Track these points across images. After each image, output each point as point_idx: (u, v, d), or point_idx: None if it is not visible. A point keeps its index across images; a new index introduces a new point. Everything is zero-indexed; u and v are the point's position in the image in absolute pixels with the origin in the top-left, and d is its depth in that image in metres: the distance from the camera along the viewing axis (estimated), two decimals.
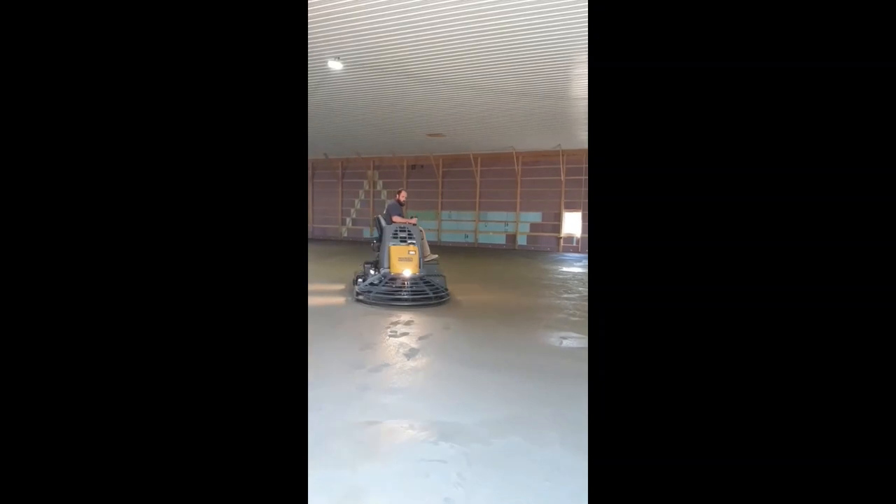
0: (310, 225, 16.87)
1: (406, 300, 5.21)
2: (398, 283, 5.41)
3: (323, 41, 5.57)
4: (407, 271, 5.55)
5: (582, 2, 4.19)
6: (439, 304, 5.27)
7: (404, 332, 4.02)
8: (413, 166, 15.37)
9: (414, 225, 5.85)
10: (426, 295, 5.34)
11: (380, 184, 16.31)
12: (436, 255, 6.17)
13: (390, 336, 3.88)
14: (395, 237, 5.66)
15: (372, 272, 5.71)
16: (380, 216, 6.13)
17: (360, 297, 5.33)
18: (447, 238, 14.87)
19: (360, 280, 5.69)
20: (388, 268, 5.57)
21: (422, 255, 5.73)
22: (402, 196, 6.35)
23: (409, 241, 5.66)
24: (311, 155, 16.11)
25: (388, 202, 6.64)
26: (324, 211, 16.76)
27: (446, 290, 5.63)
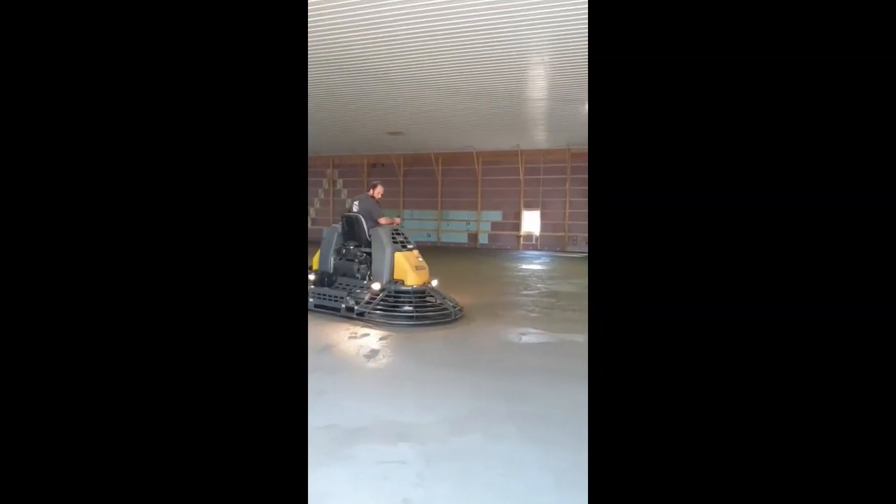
0: None
1: (429, 317, 4.30)
2: (410, 297, 4.44)
3: None
4: (434, 281, 4.73)
5: (540, 1, 4.27)
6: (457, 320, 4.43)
7: (364, 333, 3.97)
8: (374, 165, 15.20)
9: (399, 226, 5.08)
10: (445, 311, 4.43)
11: (339, 182, 16.03)
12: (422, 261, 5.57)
13: (350, 338, 3.82)
14: (395, 242, 4.73)
15: (374, 286, 4.55)
16: (357, 216, 4.97)
17: (362, 316, 4.36)
18: (410, 237, 14.80)
19: (346, 298, 4.58)
20: (393, 278, 4.56)
21: None
22: (378, 192, 5.22)
23: (410, 247, 4.85)
24: None
25: (358, 198, 5.19)
26: None
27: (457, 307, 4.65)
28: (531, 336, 3.99)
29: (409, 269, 4.60)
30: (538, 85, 6.84)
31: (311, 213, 16.37)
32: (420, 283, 4.53)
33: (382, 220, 4.98)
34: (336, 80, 6.93)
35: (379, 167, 15.15)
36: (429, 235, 14.62)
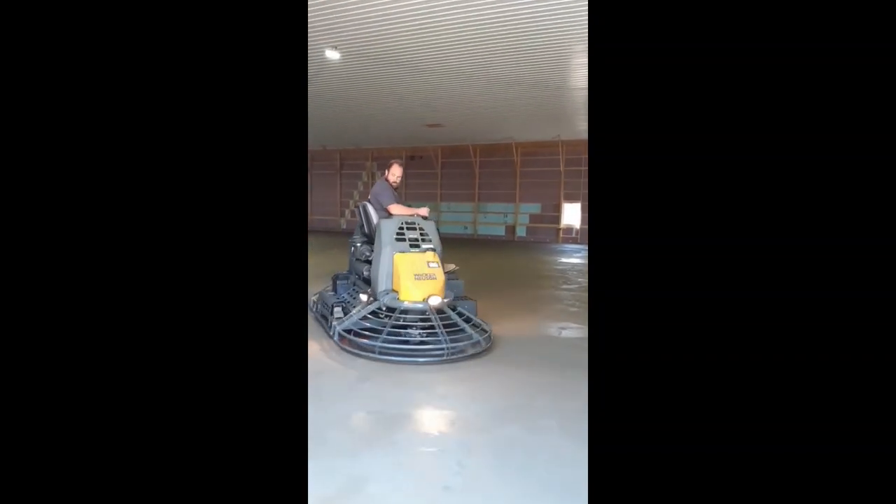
0: (309, 217, 16.84)
1: (434, 353, 2.93)
2: (411, 321, 3.14)
3: (320, 30, 5.51)
4: (434, 299, 3.18)
5: None
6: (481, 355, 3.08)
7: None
8: (412, 157, 15.30)
9: (426, 218, 3.67)
10: (466, 341, 3.07)
11: (378, 175, 16.24)
12: (453, 266, 3.90)
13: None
14: (399, 239, 3.37)
15: (363, 296, 3.47)
16: (365, 204, 3.91)
17: (344, 340, 3.11)
18: (446, 230, 14.83)
19: (334, 309, 3.47)
20: (394, 291, 3.27)
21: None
22: (395, 172, 3.89)
23: (426, 246, 3.41)
24: (310, 146, 16.02)
25: (376, 184, 4.03)
26: (322, 203, 16.71)
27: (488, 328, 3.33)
28: (571, 331, 3.93)
29: (404, 277, 3.21)
30: (580, 73, 6.65)
31: (350, 204, 16.70)
32: (420, 298, 3.18)
33: (394, 209, 3.69)
34: (374, 72, 7.00)
35: (417, 159, 15.24)
36: (465, 228, 14.61)
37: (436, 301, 3.22)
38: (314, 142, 14.37)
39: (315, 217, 16.41)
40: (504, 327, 3.82)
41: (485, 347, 3.13)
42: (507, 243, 12.81)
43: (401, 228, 3.45)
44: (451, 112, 9.53)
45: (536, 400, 2.44)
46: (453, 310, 3.29)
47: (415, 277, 3.25)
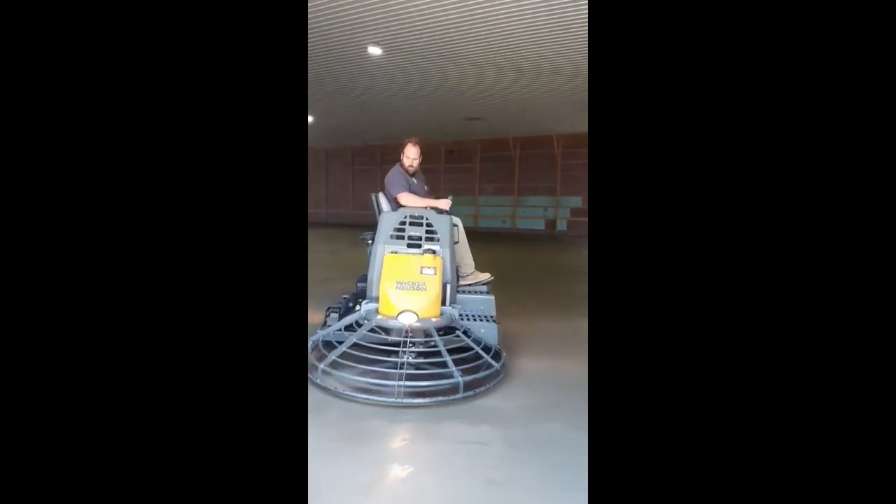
0: (349, 212, 17.21)
1: (386, 392, 2.21)
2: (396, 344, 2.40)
3: (362, 27, 5.60)
4: (407, 316, 2.51)
5: None
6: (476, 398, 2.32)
7: None
8: (451, 151, 15.31)
9: (444, 212, 2.91)
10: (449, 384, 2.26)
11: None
12: (488, 276, 3.10)
13: None
14: (398, 236, 2.78)
15: (357, 307, 2.80)
16: (378, 194, 3.17)
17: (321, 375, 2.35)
18: (485, 224, 14.79)
19: (327, 317, 2.94)
20: (377, 301, 2.64)
21: (453, 277, 2.75)
22: (409, 154, 3.16)
23: (428, 246, 2.71)
24: (351, 142, 16.34)
25: (390, 171, 3.21)
26: (364, 199, 17.02)
27: (500, 358, 2.57)
28: None
29: (385, 284, 2.59)
30: None
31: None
32: (394, 315, 2.52)
33: (404, 198, 2.98)
34: (414, 67, 7.04)
35: (455, 153, 15.23)
36: (504, 222, 14.49)
37: (408, 319, 2.48)
38: (355, 138, 14.64)
39: (356, 212, 16.75)
40: (533, 326, 3.76)
41: (465, 395, 2.25)
42: (547, 238, 12.61)
43: (402, 223, 2.79)
44: (491, 105, 9.45)
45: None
46: (445, 333, 2.53)
47: (396, 286, 2.57)
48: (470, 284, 2.98)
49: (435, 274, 2.63)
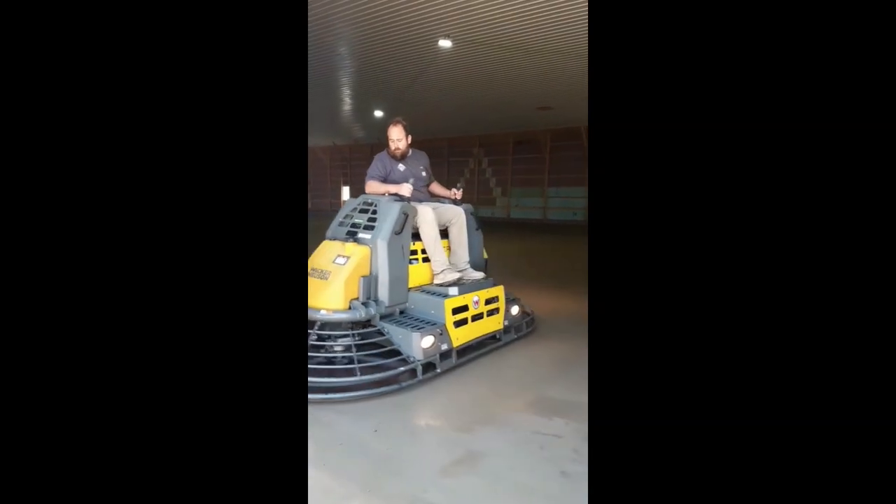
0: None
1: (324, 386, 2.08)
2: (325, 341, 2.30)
3: (432, 21, 5.64)
4: (320, 312, 2.31)
5: None
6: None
7: None
8: (519, 142, 15.06)
9: (403, 199, 2.69)
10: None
11: (485, 161, 16.29)
12: (481, 275, 2.92)
13: None
14: (342, 224, 2.67)
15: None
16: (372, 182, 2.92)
17: None
18: (554, 216, 14.41)
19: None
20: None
21: (398, 270, 2.51)
22: (392, 135, 2.92)
23: (363, 235, 2.52)
24: (419, 136, 16.59)
25: (375, 157, 3.05)
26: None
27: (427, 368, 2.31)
28: None
29: (311, 280, 2.41)
30: None
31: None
32: (318, 306, 2.31)
33: (368, 186, 2.86)
34: (484, 57, 6.98)
35: (525, 144, 14.96)
36: (575, 214, 14.03)
37: (320, 315, 2.30)
38: (425, 132, 14.86)
39: None
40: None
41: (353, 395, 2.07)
42: None
43: (353, 210, 2.70)
44: (562, 94, 9.16)
45: None
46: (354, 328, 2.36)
47: (311, 273, 2.43)
48: (439, 284, 2.70)
49: (346, 264, 2.40)
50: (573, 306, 4.04)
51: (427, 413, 2.10)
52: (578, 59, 6.88)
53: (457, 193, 3.07)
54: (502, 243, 8.86)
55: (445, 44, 6.37)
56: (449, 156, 17.00)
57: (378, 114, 12.27)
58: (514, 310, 3.06)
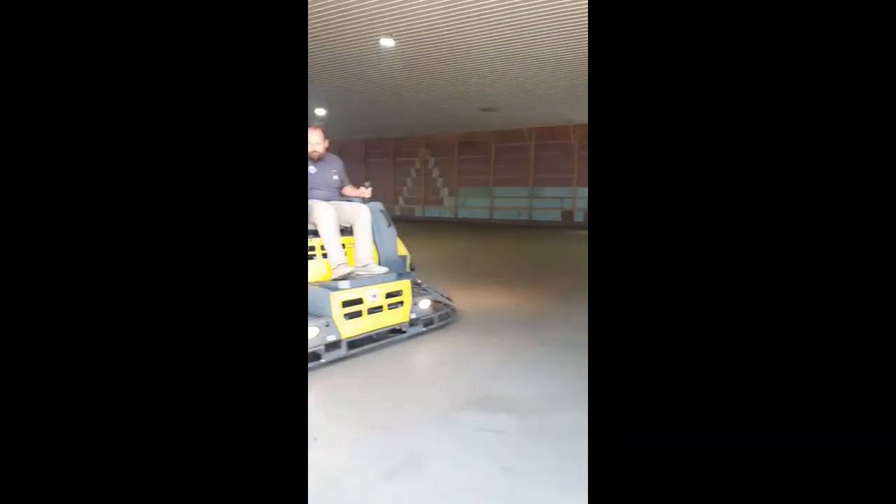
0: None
1: None
2: None
3: (374, 19, 5.57)
4: None
5: None
6: None
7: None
8: (465, 143, 15.22)
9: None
10: None
11: (431, 161, 16.33)
12: (385, 269, 3.06)
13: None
14: None
15: None
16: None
17: None
18: (500, 215, 14.69)
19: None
20: None
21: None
22: (314, 139, 3.13)
23: None
24: (366, 135, 16.37)
25: None
26: (377, 191, 17.01)
27: None
28: None
29: None
30: None
31: (405, 192, 16.94)
32: None
33: None
34: (428, 58, 6.98)
35: (470, 145, 15.14)
36: (520, 213, 14.38)
37: None
38: (370, 131, 14.67)
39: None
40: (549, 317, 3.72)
41: None
42: (564, 228, 12.48)
43: None
44: (506, 95, 9.35)
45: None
46: None
47: None
48: (334, 279, 2.86)
49: None
50: (503, 302, 4.15)
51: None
52: (521, 63, 7.05)
53: (365, 192, 3.25)
54: (450, 243, 8.92)
55: (388, 43, 6.30)
56: (395, 156, 16.89)
57: (319, 112, 11.97)
58: (424, 303, 3.19)
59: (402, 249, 3.43)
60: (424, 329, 3.12)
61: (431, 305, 3.27)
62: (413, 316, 3.05)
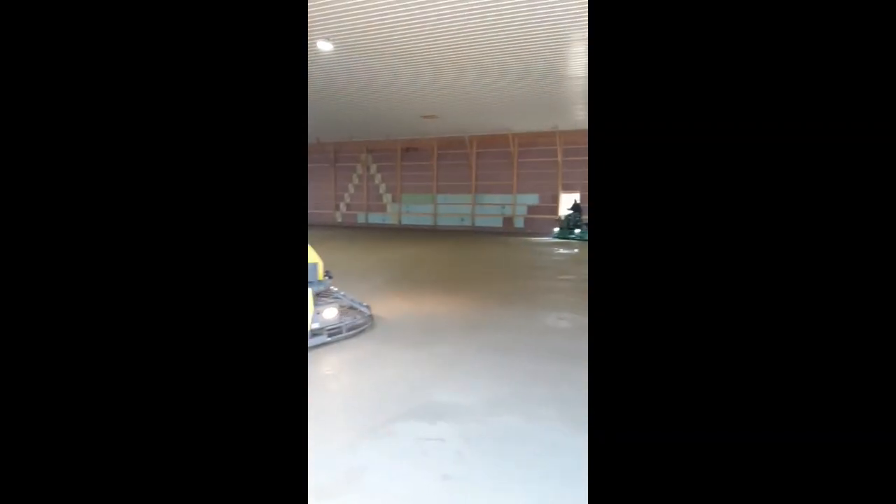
0: None
1: None
2: None
3: (312, 21, 5.43)
4: None
5: None
6: None
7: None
8: (407, 149, 15.21)
9: None
10: None
11: (373, 167, 16.15)
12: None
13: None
14: None
15: None
16: None
17: None
18: (444, 222, 14.79)
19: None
20: None
21: None
22: None
23: None
24: None
25: None
26: (317, 196, 16.61)
27: None
28: (567, 322, 3.91)
29: None
30: (577, 62, 6.59)
31: (346, 198, 16.62)
32: None
33: None
34: (368, 63, 6.92)
35: (412, 151, 15.15)
36: (462, 220, 14.56)
37: None
38: (308, 135, 14.24)
39: (311, 211, 16.33)
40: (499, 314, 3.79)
41: None
42: (505, 234, 12.78)
43: None
44: (446, 103, 9.45)
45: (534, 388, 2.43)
46: None
47: None
48: None
49: None
50: (428, 308, 4.17)
51: None
52: (462, 71, 7.16)
53: None
54: (389, 251, 8.84)
55: (326, 46, 6.17)
56: (336, 160, 16.54)
57: None
58: (330, 313, 3.20)
59: (311, 257, 3.43)
60: (329, 339, 3.06)
61: (339, 314, 3.22)
62: (316, 325, 2.99)
